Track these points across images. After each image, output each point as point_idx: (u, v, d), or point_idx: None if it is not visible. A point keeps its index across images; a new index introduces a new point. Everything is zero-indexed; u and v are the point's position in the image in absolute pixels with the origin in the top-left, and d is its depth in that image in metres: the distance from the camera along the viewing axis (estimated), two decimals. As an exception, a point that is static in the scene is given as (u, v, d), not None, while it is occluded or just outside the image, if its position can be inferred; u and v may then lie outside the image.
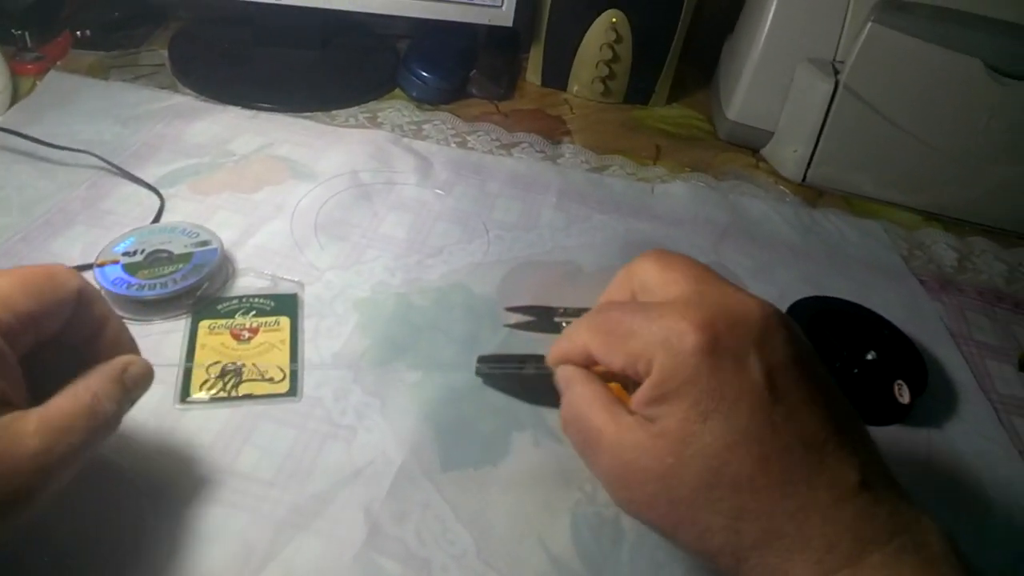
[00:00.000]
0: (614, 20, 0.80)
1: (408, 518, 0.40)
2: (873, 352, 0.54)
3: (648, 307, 0.31)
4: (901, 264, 0.67)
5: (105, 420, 0.31)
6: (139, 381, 0.34)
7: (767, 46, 0.76)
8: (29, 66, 0.75)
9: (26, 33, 0.77)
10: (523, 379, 0.47)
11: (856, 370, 0.53)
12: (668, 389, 0.29)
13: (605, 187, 0.70)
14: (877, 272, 0.65)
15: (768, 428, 0.28)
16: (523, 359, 0.47)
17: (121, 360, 0.34)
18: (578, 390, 0.34)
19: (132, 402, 0.34)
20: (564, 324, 0.54)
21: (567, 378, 0.35)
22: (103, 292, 0.51)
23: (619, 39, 0.81)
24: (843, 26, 0.74)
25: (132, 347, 0.37)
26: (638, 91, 0.85)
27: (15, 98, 0.71)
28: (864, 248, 0.68)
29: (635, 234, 0.64)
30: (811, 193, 0.75)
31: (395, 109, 0.78)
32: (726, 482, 0.28)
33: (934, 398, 0.53)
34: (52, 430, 0.29)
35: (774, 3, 0.75)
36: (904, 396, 0.51)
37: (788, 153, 0.76)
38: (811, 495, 0.27)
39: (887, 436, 0.51)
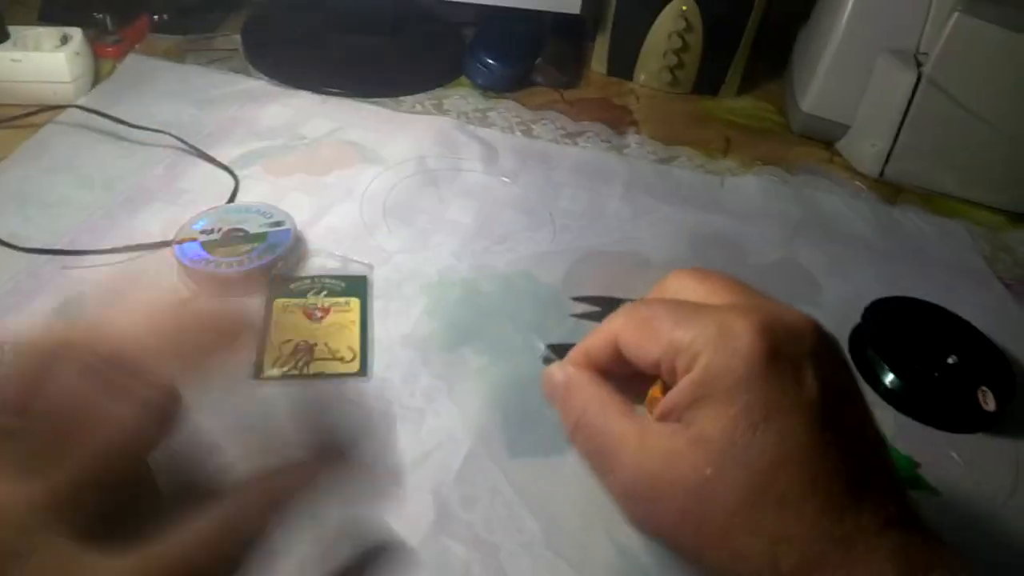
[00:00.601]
0: (684, 8, 0.79)
1: (476, 503, 0.40)
2: (954, 356, 0.52)
3: (696, 304, 0.28)
4: (985, 267, 0.64)
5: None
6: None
7: (845, 36, 0.73)
8: (109, 49, 0.78)
9: (107, 17, 0.79)
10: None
11: (936, 373, 0.51)
12: (714, 390, 0.26)
13: (673, 179, 0.68)
14: (959, 274, 0.63)
15: (820, 448, 0.25)
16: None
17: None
18: (588, 392, 0.29)
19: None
20: (632, 315, 0.53)
21: (569, 380, 0.30)
22: (182, 268, 0.52)
23: (689, 27, 0.79)
24: (927, 16, 0.71)
25: None
26: (707, 81, 0.83)
27: (96, 79, 0.73)
28: (945, 248, 0.65)
29: (704, 227, 0.63)
30: (889, 189, 0.72)
31: (460, 96, 0.78)
32: (771, 501, 0.25)
33: (1022, 407, 0.50)
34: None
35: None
36: (989, 403, 0.49)
37: (865, 147, 0.74)
38: (856, 522, 0.25)
39: (970, 444, 0.49)
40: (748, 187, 0.68)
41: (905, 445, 0.47)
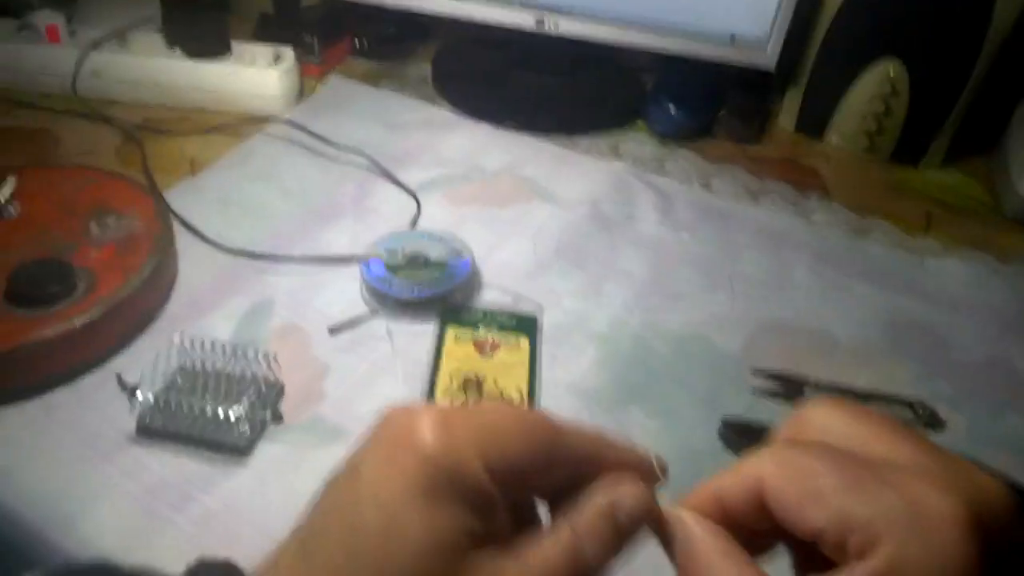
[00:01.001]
0: (892, 73, 0.74)
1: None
2: None
3: (875, 464, 0.22)
4: None
5: (587, 565, 0.24)
6: (634, 517, 0.25)
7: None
8: (313, 68, 0.83)
9: (315, 39, 0.85)
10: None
11: None
12: None
13: (866, 254, 0.63)
14: None
15: None
16: (771, 432, 0.44)
17: (612, 492, 0.25)
18: (719, 565, 0.24)
19: (625, 542, 0.25)
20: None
21: (694, 542, 0.25)
22: (365, 286, 0.54)
23: (895, 92, 0.74)
24: None
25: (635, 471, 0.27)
26: (908, 150, 0.77)
27: (300, 96, 0.78)
28: None
29: (902, 312, 0.57)
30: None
31: (636, 142, 0.77)
32: None
33: None
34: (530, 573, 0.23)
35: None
36: None
37: (1094, 242, 0.65)
38: None
39: None
40: (953, 271, 0.62)
41: None
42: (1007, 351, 0.55)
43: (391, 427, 0.24)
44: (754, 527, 0.24)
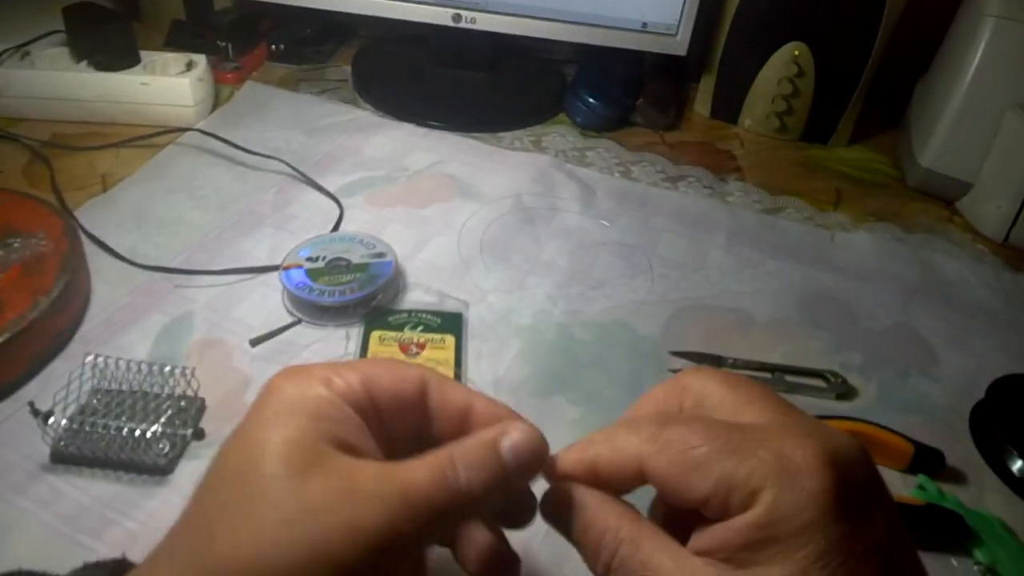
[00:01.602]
0: (797, 53, 0.76)
1: (567, 563, 0.39)
2: (1093, 445, 0.47)
3: (738, 427, 0.25)
4: (1126, 345, 0.59)
5: (465, 493, 0.24)
6: (520, 451, 0.25)
7: (970, 89, 0.69)
8: (228, 75, 0.82)
9: (229, 45, 0.83)
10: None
11: (1073, 465, 0.47)
12: (780, 532, 0.22)
13: (780, 231, 0.66)
14: (1096, 352, 0.57)
15: None
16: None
17: (499, 426, 0.26)
18: (617, 522, 0.25)
19: (512, 479, 0.25)
20: (734, 375, 0.51)
21: (589, 507, 0.26)
22: (286, 294, 0.54)
23: (801, 73, 0.77)
24: (1065, 71, 0.66)
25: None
26: (817, 129, 0.80)
27: (215, 104, 0.76)
28: (1080, 323, 0.60)
29: (813, 285, 0.60)
30: (1014, 255, 0.67)
31: (559, 134, 0.78)
32: None
33: None
34: (392, 490, 0.23)
35: (982, 42, 0.68)
36: None
37: (990, 208, 0.69)
38: None
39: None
40: (861, 244, 0.65)
41: (1035, 542, 0.43)
42: (911, 317, 0.58)
43: (272, 393, 0.27)
44: (621, 492, 0.27)
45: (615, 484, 0.26)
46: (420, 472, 0.24)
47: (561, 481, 0.27)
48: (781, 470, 0.23)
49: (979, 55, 0.69)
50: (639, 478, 0.25)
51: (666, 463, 0.24)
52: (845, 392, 0.51)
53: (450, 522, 0.25)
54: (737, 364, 0.52)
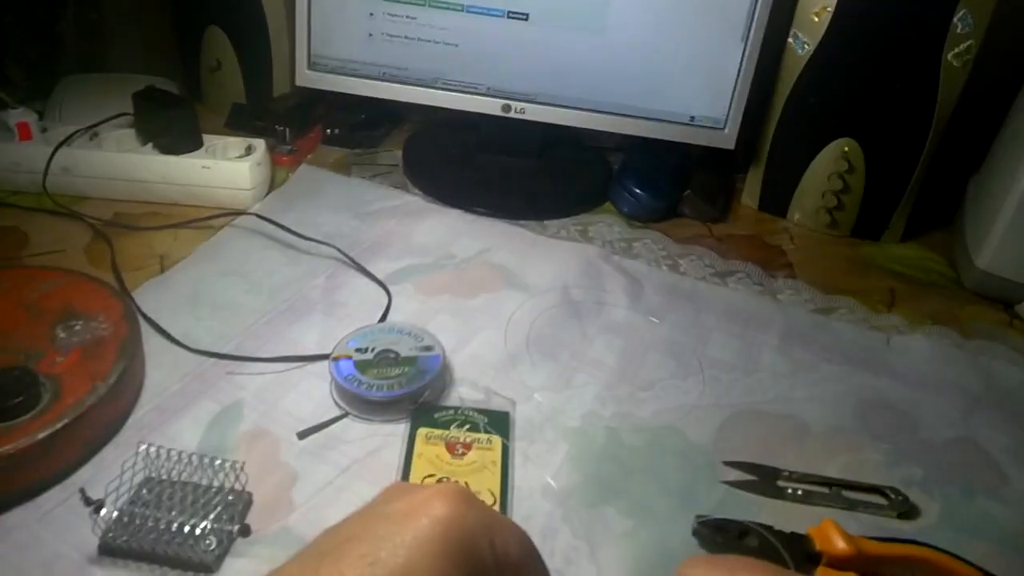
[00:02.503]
0: (847, 149, 0.76)
1: None
2: None
3: None
4: None
5: None
6: None
7: (1027, 190, 0.68)
8: (284, 158, 0.85)
9: (286, 129, 0.87)
10: (744, 551, 0.43)
11: None
12: None
13: (833, 332, 0.64)
14: None
15: None
16: (746, 529, 0.44)
17: None
18: None
19: None
20: (790, 490, 0.49)
21: None
22: (334, 385, 0.54)
23: (851, 168, 0.77)
24: None
25: None
26: (869, 225, 0.79)
27: (271, 187, 0.79)
28: None
29: (870, 392, 0.58)
30: (1080, 364, 0.65)
31: (606, 224, 0.79)
32: None
33: None
34: None
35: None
36: None
37: (1052, 314, 0.67)
38: None
39: None
40: (918, 349, 0.63)
41: None
42: (973, 430, 0.56)
43: (401, 496, 0.27)
44: None
45: None
46: None
47: None
48: None
49: (1034, 155, 0.68)
50: None
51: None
52: (907, 511, 0.49)
53: None
54: (793, 477, 0.50)
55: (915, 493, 0.50)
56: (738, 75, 0.76)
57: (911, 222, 0.79)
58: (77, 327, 0.54)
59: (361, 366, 0.54)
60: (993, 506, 0.50)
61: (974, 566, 0.44)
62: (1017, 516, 0.49)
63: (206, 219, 0.72)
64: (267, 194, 0.77)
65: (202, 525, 0.43)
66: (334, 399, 0.54)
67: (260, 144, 0.77)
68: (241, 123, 0.89)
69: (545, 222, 0.78)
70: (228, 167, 0.75)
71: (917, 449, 0.53)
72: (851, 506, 0.49)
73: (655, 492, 0.48)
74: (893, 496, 0.49)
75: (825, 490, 0.49)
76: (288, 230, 0.70)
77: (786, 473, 0.50)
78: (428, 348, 0.56)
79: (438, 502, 0.26)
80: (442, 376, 0.55)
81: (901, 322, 0.67)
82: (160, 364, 0.56)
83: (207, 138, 0.77)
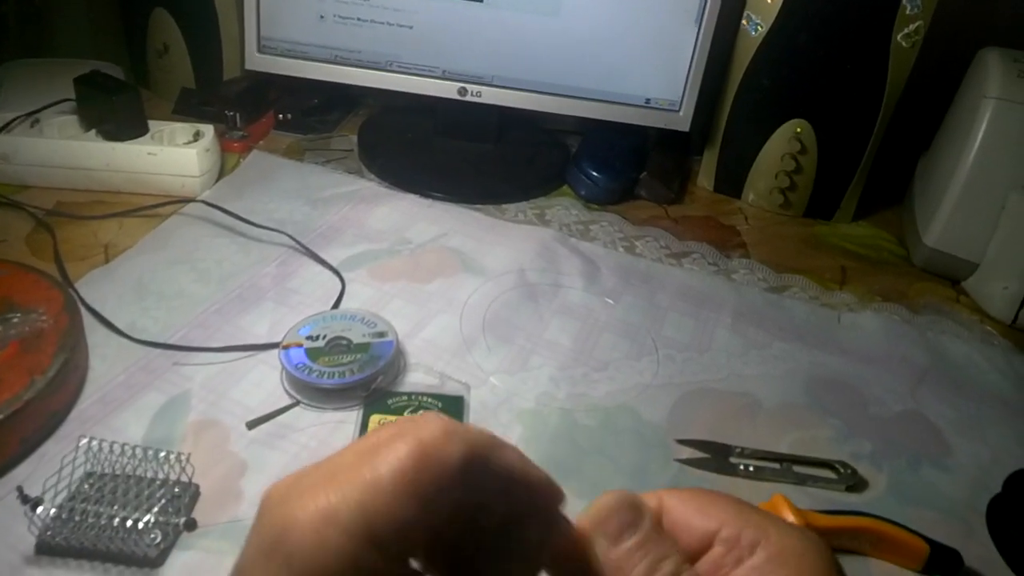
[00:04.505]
0: (799, 130, 0.77)
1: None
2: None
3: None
4: None
5: None
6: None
7: (973, 169, 0.69)
8: (235, 144, 0.82)
9: (236, 114, 0.85)
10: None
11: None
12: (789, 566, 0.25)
13: (786, 311, 0.65)
14: (1113, 442, 0.56)
15: None
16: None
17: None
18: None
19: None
20: (742, 466, 0.50)
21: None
22: (285, 374, 0.53)
23: (803, 150, 0.78)
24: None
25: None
26: (821, 205, 0.81)
27: (221, 174, 0.77)
28: (1094, 411, 0.59)
29: (820, 368, 0.59)
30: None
31: (563, 207, 0.79)
32: None
33: None
34: None
35: (983, 124, 0.69)
36: None
37: (996, 289, 0.68)
38: None
39: None
40: (868, 325, 0.64)
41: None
42: (920, 403, 0.57)
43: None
44: None
45: None
46: None
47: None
48: (787, 526, 0.26)
49: (980, 137, 0.69)
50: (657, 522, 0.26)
51: (685, 501, 0.27)
52: (856, 484, 0.50)
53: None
54: (745, 454, 0.50)
55: (864, 466, 0.51)
56: (692, 57, 0.76)
57: (862, 201, 0.80)
58: (15, 320, 0.53)
59: (312, 354, 0.53)
60: (938, 475, 0.51)
61: (917, 534, 0.45)
62: (960, 484, 0.51)
63: (153, 207, 0.70)
64: (217, 181, 0.76)
65: (145, 519, 0.42)
66: (285, 388, 0.53)
67: (209, 130, 0.75)
68: (190, 109, 0.87)
69: (502, 206, 0.78)
70: (175, 153, 0.72)
71: (866, 423, 0.54)
72: (801, 481, 0.49)
73: (609, 472, 0.48)
74: (842, 470, 0.50)
75: (776, 466, 0.50)
76: (238, 217, 0.68)
77: (738, 450, 0.50)
78: (381, 334, 0.55)
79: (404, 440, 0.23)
80: (395, 362, 0.55)
81: (852, 299, 0.68)
82: (104, 356, 0.54)
83: (154, 124, 0.74)
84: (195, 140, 0.74)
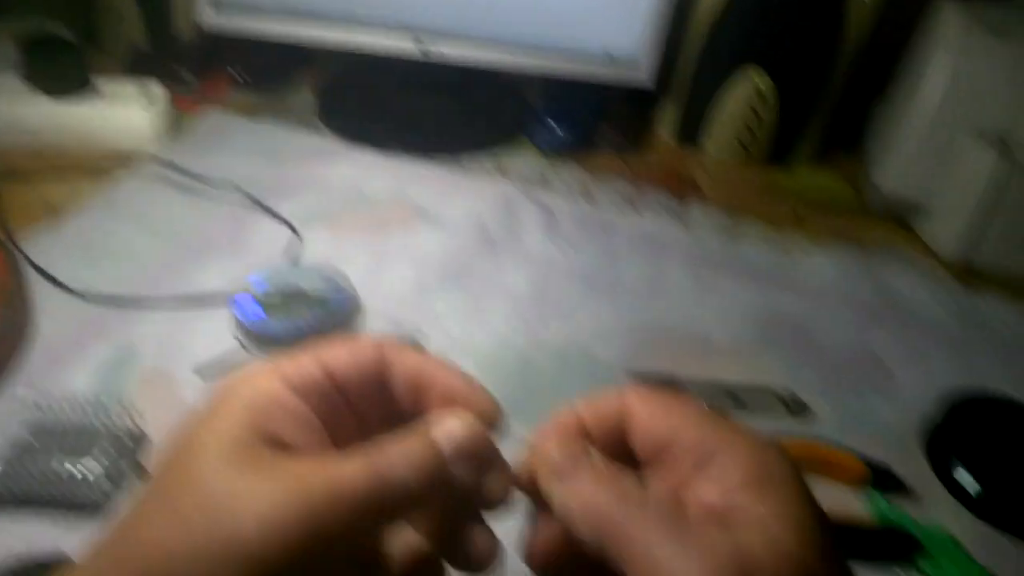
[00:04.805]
0: (758, 79, 0.77)
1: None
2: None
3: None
4: (1078, 363, 0.59)
5: (400, 487, 0.23)
6: (461, 444, 0.24)
7: (927, 114, 0.70)
8: (188, 103, 0.81)
9: (189, 73, 0.83)
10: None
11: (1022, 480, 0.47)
12: (765, 475, 0.23)
13: (740, 254, 0.66)
14: (1051, 370, 0.58)
15: None
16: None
17: (437, 417, 0.25)
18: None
19: (456, 471, 0.24)
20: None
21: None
22: (237, 325, 0.53)
23: (762, 99, 0.78)
24: (1016, 97, 0.67)
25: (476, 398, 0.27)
26: (778, 153, 0.81)
27: (174, 132, 0.76)
28: (1033, 341, 0.61)
29: (772, 307, 0.60)
30: (970, 275, 0.68)
31: (522, 159, 0.78)
32: None
33: None
34: (318, 485, 0.22)
35: (938, 70, 0.69)
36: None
37: (945, 230, 0.70)
38: None
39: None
40: (819, 266, 0.65)
41: (985, 557, 0.43)
42: (867, 337, 0.58)
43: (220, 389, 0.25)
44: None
45: (599, 437, 0.26)
46: (351, 467, 0.23)
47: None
48: (755, 437, 0.24)
49: (935, 83, 0.70)
50: (619, 428, 0.26)
51: (653, 404, 0.26)
52: (800, 411, 0.51)
53: (388, 516, 0.24)
54: (695, 385, 0.51)
55: (809, 395, 0.52)
56: (652, 9, 0.75)
57: (820, 149, 0.81)
58: (-43, 278, 0.52)
59: (265, 304, 0.52)
60: (880, 403, 0.53)
61: (858, 455, 0.46)
62: (899, 409, 0.52)
63: (103, 167, 0.69)
64: (170, 140, 0.74)
65: (91, 466, 0.42)
66: (238, 339, 0.52)
67: (160, 87, 0.74)
68: (141, 67, 0.85)
69: (462, 160, 0.77)
70: (125, 112, 0.71)
71: (813, 356, 0.56)
72: (748, 409, 0.50)
73: (561, 407, 0.49)
74: (787, 398, 0.51)
75: (724, 396, 0.51)
76: (191, 175, 0.67)
77: (688, 383, 0.51)
78: (335, 284, 0.55)
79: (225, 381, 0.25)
80: (350, 311, 0.54)
81: (805, 241, 0.69)
82: (51, 314, 0.53)
83: (104, 83, 0.73)
84: (146, 98, 0.72)
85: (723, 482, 0.23)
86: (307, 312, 0.52)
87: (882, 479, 0.46)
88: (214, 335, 0.53)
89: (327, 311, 0.52)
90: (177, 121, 0.77)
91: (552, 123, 0.79)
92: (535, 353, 0.53)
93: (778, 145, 0.81)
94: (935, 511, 0.46)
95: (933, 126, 0.70)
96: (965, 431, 0.50)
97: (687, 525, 0.22)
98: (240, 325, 0.52)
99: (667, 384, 0.51)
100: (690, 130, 0.83)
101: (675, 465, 0.25)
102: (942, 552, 0.43)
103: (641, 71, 0.78)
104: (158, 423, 0.45)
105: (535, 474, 0.26)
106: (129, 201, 0.65)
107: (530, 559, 0.27)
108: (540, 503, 0.26)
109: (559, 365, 0.52)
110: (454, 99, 0.85)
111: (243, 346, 0.52)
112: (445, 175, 0.73)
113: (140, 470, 0.43)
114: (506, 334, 0.55)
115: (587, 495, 0.24)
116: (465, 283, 0.59)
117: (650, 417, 0.26)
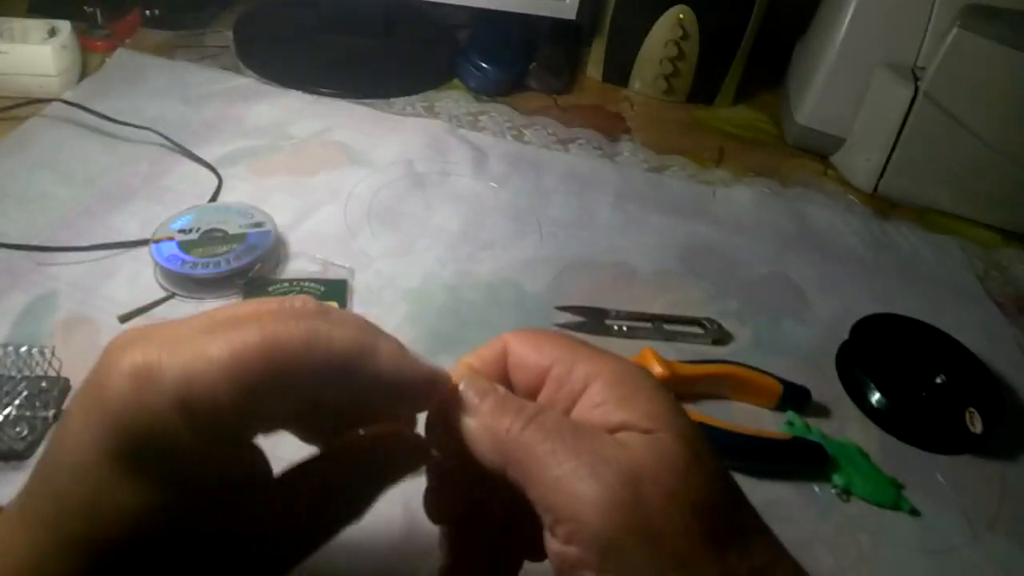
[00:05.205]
0: (681, 16, 0.78)
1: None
2: (943, 376, 0.51)
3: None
4: (976, 285, 0.63)
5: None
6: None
7: (843, 49, 0.72)
8: (99, 43, 0.77)
9: (97, 10, 0.78)
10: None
11: (924, 393, 0.50)
12: (633, 389, 0.25)
13: (664, 188, 0.68)
14: (950, 292, 0.62)
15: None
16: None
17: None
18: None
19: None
20: (616, 327, 0.52)
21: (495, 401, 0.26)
22: (157, 268, 0.51)
23: (686, 36, 0.79)
24: (926, 31, 0.70)
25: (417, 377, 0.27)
26: (703, 90, 0.82)
27: (84, 73, 0.72)
28: (937, 266, 0.64)
29: (694, 238, 0.62)
30: (883, 205, 0.72)
31: (452, 99, 0.78)
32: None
33: (1011, 430, 0.49)
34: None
35: (852, 4, 0.71)
36: (976, 425, 0.48)
37: (860, 162, 0.73)
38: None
39: (956, 466, 0.48)
40: (740, 198, 0.67)
41: (889, 465, 0.47)
42: (785, 266, 0.61)
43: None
44: None
45: (492, 377, 0.28)
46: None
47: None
48: (619, 360, 0.26)
49: (850, 15, 0.72)
50: (503, 366, 0.28)
51: (526, 338, 0.28)
52: (721, 337, 0.53)
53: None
54: (619, 316, 0.53)
55: (730, 322, 0.54)
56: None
57: (742, 86, 0.83)
58: None
59: (185, 246, 0.51)
60: (797, 328, 0.56)
61: (774, 376, 0.49)
62: (816, 334, 0.55)
63: (8, 109, 0.65)
64: (79, 81, 0.71)
65: (7, 412, 0.41)
66: (159, 282, 0.51)
67: (65, 26, 0.70)
68: (46, 6, 0.80)
69: (390, 100, 0.76)
70: (29, 51, 0.67)
71: (734, 285, 0.58)
72: (671, 337, 0.53)
73: (490, 338, 0.50)
74: (709, 325, 0.53)
75: (648, 325, 0.53)
76: (104, 117, 0.64)
77: (613, 313, 0.53)
78: (258, 224, 0.54)
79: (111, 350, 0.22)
80: (275, 251, 0.54)
81: (727, 176, 0.71)
82: (-41, 263, 0.51)
83: (3, 21, 0.68)
84: (50, 37, 0.68)
85: (598, 401, 0.25)
86: (228, 251, 0.51)
87: (797, 398, 0.49)
88: (135, 280, 0.51)
89: (249, 249, 0.52)
90: (87, 62, 0.73)
91: (482, 63, 0.78)
92: (464, 288, 0.54)
93: (702, 83, 0.82)
94: (847, 427, 0.49)
95: (847, 59, 0.72)
96: (871, 349, 0.53)
97: (582, 441, 0.24)
98: (160, 268, 0.51)
99: (594, 316, 0.53)
100: (618, 69, 0.84)
101: (554, 395, 0.26)
102: (850, 463, 0.46)
103: (568, 5, 0.77)
104: (80, 370, 0.44)
105: (445, 417, 0.27)
106: (39, 146, 0.62)
107: (430, 509, 0.29)
108: (445, 451, 0.28)
109: (488, 298, 0.53)
110: (383, 40, 0.83)
111: (164, 289, 0.51)
112: (373, 116, 0.72)
113: (61, 417, 0.42)
114: (436, 271, 0.55)
115: (492, 421, 0.25)
116: (395, 223, 0.59)
117: (525, 354, 0.27)
